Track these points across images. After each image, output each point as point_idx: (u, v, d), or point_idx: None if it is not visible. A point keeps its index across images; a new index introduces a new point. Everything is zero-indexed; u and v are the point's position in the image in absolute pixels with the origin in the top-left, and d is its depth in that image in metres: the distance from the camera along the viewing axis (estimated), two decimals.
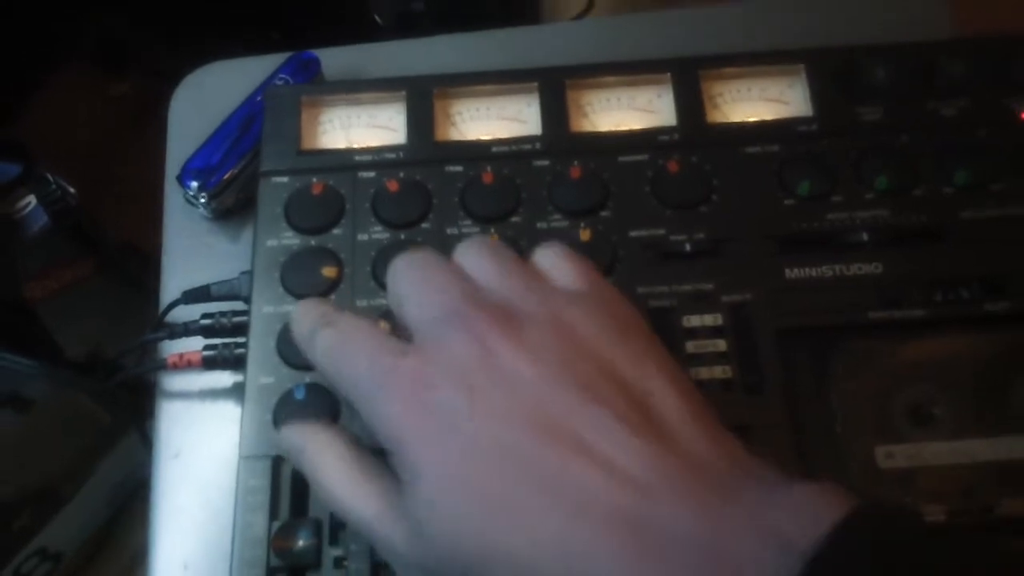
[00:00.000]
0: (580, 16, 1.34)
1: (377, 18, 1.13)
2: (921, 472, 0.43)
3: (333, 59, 0.62)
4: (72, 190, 0.77)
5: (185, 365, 0.53)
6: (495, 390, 0.32)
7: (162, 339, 0.54)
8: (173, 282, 0.58)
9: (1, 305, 0.67)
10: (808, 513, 0.28)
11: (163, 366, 0.53)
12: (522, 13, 1.35)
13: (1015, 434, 0.44)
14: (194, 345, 0.53)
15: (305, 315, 0.39)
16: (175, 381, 0.55)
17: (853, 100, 0.51)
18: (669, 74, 0.52)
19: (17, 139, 0.80)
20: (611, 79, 0.53)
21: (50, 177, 0.76)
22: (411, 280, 0.37)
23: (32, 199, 0.76)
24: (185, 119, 0.64)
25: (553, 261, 0.38)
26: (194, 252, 0.59)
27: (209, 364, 0.52)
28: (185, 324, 0.53)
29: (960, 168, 0.49)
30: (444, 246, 0.48)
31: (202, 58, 0.67)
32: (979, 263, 0.47)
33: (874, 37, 0.54)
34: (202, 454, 0.53)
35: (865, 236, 0.47)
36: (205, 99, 0.64)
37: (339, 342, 0.37)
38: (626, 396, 0.32)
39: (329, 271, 0.48)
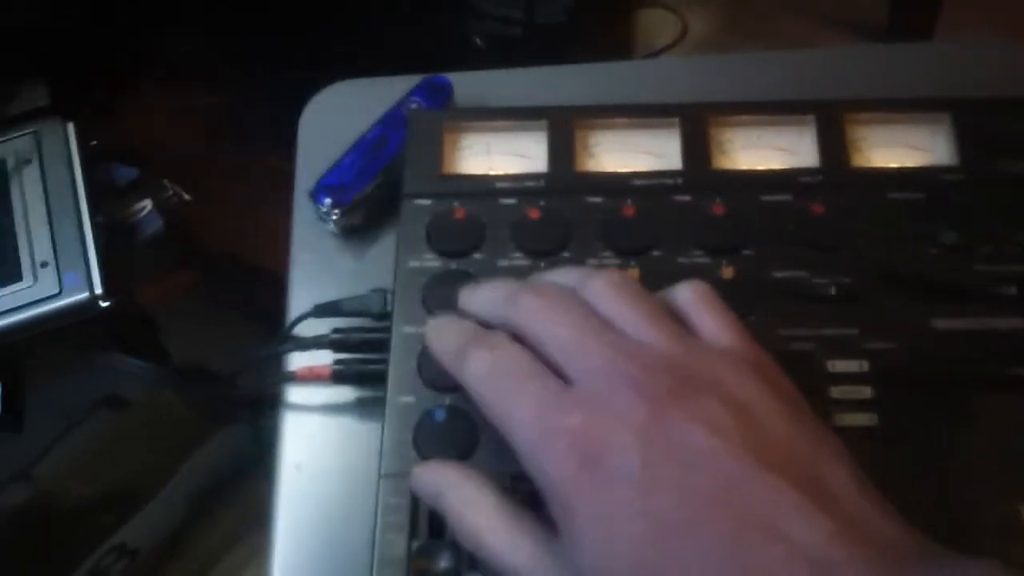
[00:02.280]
0: (672, 46, 1.34)
1: (478, 41, 1.15)
2: None
3: (460, 85, 0.63)
4: (187, 196, 0.79)
5: (314, 378, 0.54)
6: (669, 461, 0.32)
7: (291, 351, 0.55)
8: (298, 296, 0.59)
9: (116, 308, 0.68)
10: None
11: (292, 377, 0.54)
12: (615, 41, 1.36)
13: None
14: (317, 359, 0.54)
15: (452, 330, 0.39)
16: (300, 394, 0.56)
17: (998, 151, 0.51)
18: (813, 116, 0.52)
19: (130, 144, 0.82)
20: (753, 118, 0.53)
21: (166, 182, 0.78)
22: (549, 313, 0.36)
23: (148, 203, 0.78)
24: (314, 137, 0.65)
25: (698, 305, 0.38)
26: (320, 268, 0.60)
27: (338, 378, 0.53)
28: (316, 337, 0.54)
29: None
30: None
31: (278, 74, 0.69)
32: None
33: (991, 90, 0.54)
34: (324, 468, 0.54)
35: (1015, 289, 0.47)
36: (334, 118, 0.65)
37: (499, 372, 0.37)
38: (804, 472, 0.32)
39: None
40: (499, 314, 0.38)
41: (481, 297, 0.40)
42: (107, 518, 0.98)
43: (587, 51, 0.72)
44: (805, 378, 0.45)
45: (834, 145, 0.52)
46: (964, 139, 0.51)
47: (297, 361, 0.55)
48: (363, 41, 1.12)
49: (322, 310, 0.55)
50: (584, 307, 0.36)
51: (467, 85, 0.63)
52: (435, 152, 0.53)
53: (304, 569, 0.51)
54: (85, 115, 0.89)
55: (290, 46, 1.12)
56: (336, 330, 0.54)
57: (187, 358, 0.83)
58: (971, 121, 0.52)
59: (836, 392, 0.45)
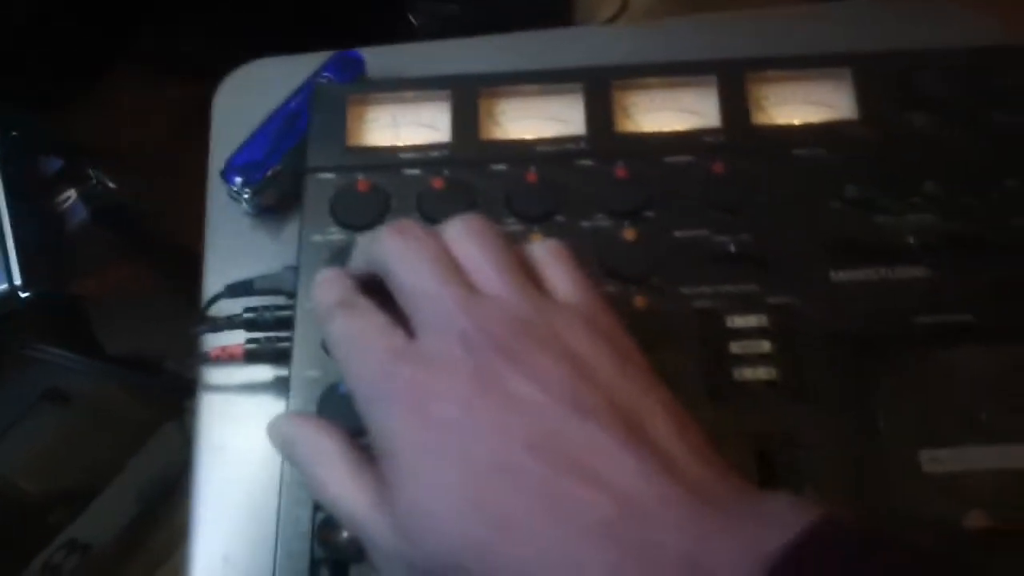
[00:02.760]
0: (613, 19, 1.34)
1: (412, 19, 1.14)
2: (966, 477, 0.43)
3: (373, 59, 0.62)
4: (112, 185, 0.78)
5: (227, 358, 0.53)
6: (496, 410, 0.33)
7: (205, 332, 0.55)
8: (216, 277, 0.58)
9: (44, 299, 0.67)
10: (780, 522, 0.29)
11: (206, 359, 0.54)
12: (555, 17, 1.35)
13: None
14: (237, 339, 0.53)
15: (329, 289, 0.39)
16: (217, 375, 0.56)
17: (901, 105, 0.51)
18: (715, 76, 0.52)
19: (58, 135, 0.81)
20: (656, 80, 0.53)
21: (91, 172, 0.77)
22: (404, 257, 0.37)
23: (73, 193, 0.77)
24: (229, 117, 0.64)
25: (548, 260, 0.39)
26: (236, 248, 0.59)
27: (251, 357, 0.53)
28: (228, 317, 0.54)
29: (1012, 175, 0.48)
30: None
31: (244, 58, 0.68)
32: None
33: (919, 45, 0.54)
34: (243, 448, 0.54)
35: (912, 240, 0.47)
36: (249, 97, 0.64)
37: (351, 333, 0.37)
38: (623, 419, 0.33)
39: None
40: (367, 258, 0.39)
41: (359, 244, 0.40)
42: (57, 513, 0.97)
43: (524, 28, 0.72)
44: (707, 336, 0.46)
45: (736, 104, 0.52)
46: (865, 93, 0.52)
47: (214, 343, 0.55)
48: (299, 19, 1.11)
49: (235, 290, 0.55)
50: (439, 251, 0.37)
51: (386, 59, 0.63)
52: (339, 125, 0.53)
53: (226, 549, 0.51)
54: (41, 106, 0.88)
55: (227, 32, 1.11)
56: (248, 309, 0.53)
57: (127, 349, 0.82)
58: (872, 75, 0.52)
59: (736, 347, 0.46)
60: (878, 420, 0.44)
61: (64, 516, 0.98)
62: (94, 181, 0.77)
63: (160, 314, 0.85)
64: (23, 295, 0.65)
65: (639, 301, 0.47)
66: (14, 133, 0.74)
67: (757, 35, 0.63)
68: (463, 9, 1.18)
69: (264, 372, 0.55)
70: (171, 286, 0.91)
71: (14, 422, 0.84)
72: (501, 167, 0.51)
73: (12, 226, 0.67)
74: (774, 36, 0.63)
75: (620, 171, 0.50)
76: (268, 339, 0.52)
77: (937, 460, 0.44)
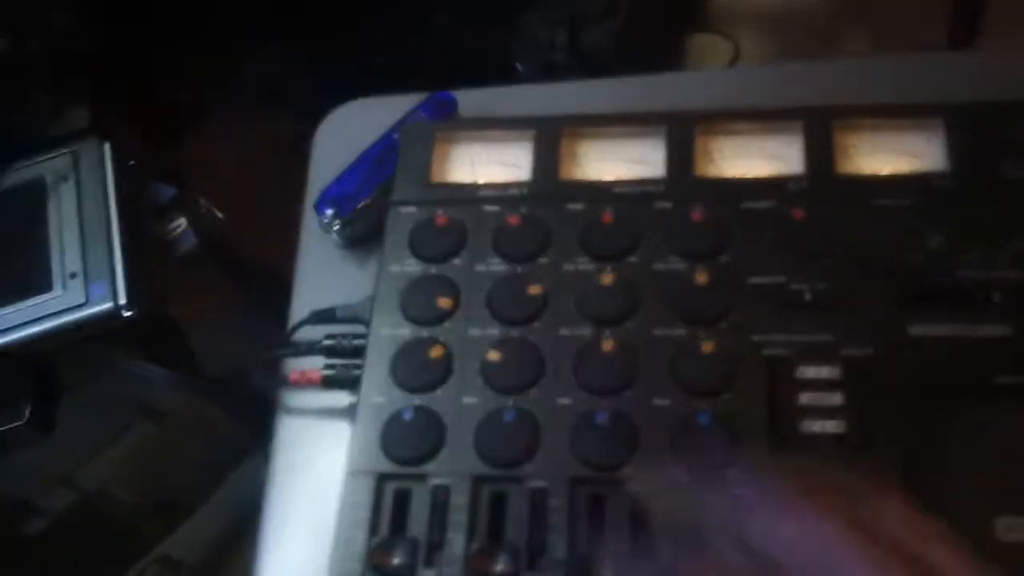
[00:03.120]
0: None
1: (519, 67, 1.16)
2: None
3: (471, 100, 0.64)
4: (220, 215, 0.82)
5: (305, 382, 0.55)
6: None
7: (287, 356, 0.57)
8: (303, 304, 0.60)
9: (148, 319, 0.71)
10: None
11: (285, 382, 0.55)
12: (665, 67, 1.36)
13: None
14: (317, 364, 0.55)
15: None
16: (297, 398, 0.57)
17: (993, 157, 0.50)
18: (801, 122, 0.52)
19: (172, 164, 0.85)
20: (741, 125, 0.53)
21: (201, 201, 0.81)
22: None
23: (183, 221, 0.81)
24: (328, 152, 0.67)
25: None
26: (325, 277, 0.61)
27: (328, 383, 0.54)
28: (309, 343, 0.55)
29: None
30: (559, 281, 0.49)
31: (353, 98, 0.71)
32: None
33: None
34: (316, 471, 0.55)
35: (997, 297, 0.45)
36: (348, 134, 0.66)
37: None
38: None
39: (444, 301, 0.49)
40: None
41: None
42: (151, 528, 1.01)
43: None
44: (775, 385, 0.45)
45: (821, 151, 0.51)
46: (957, 145, 0.50)
47: (296, 367, 0.57)
48: (409, 63, 1.15)
49: (318, 317, 0.56)
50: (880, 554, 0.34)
51: (481, 100, 0.64)
52: (425, 162, 0.54)
53: (292, 570, 0.52)
54: (154, 137, 0.93)
55: (338, 74, 1.15)
56: (328, 336, 0.55)
57: (222, 371, 0.85)
58: (965, 126, 0.51)
59: (805, 398, 0.44)
60: (951, 482, 0.42)
61: (158, 531, 1.01)
62: (204, 210, 0.81)
63: (254, 339, 0.88)
64: (126, 314, 0.68)
65: (707, 346, 0.46)
66: (132, 162, 0.78)
67: (864, 82, 0.62)
68: (569, 59, 1.20)
69: (341, 398, 0.56)
70: (267, 313, 0.94)
71: (114, 435, 0.87)
72: (578, 206, 0.51)
73: (122, 248, 0.70)
74: (882, 82, 0.61)
75: (696, 214, 0.50)
76: (345, 366, 0.54)
77: (1014, 529, 0.41)
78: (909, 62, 0.64)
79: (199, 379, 0.80)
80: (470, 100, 0.64)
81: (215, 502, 1.05)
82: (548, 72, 1.17)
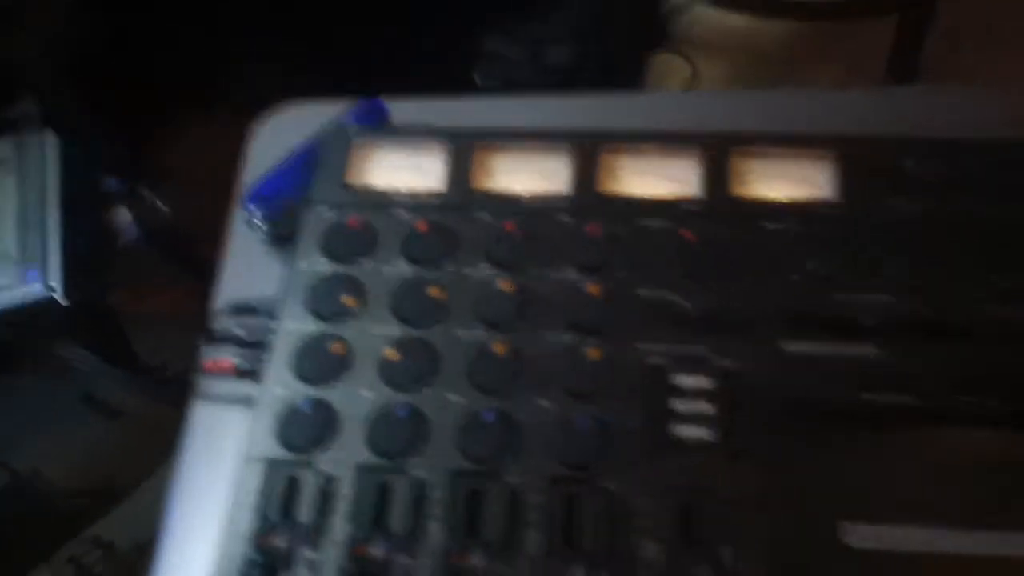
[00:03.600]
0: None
1: (477, 80, 1.19)
2: (888, 556, 0.43)
3: (403, 109, 0.66)
4: (166, 209, 0.83)
5: (218, 371, 0.57)
6: None
7: (205, 345, 0.59)
8: (228, 296, 0.62)
9: (84, 307, 0.73)
10: None
11: (199, 370, 0.57)
12: (623, 85, 1.38)
13: (993, 530, 0.43)
14: (235, 354, 0.57)
15: None
16: (212, 387, 0.59)
17: (879, 190, 0.52)
18: (700, 147, 0.54)
19: (122, 156, 0.87)
20: (645, 147, 0.55)
21: (146, 194, 0.83)
22: None
23: (128, 212, 0.83)
24: (262, 152, 0.69)
25: None
26: (250, 271, 0.63)
27: (240, 373, 0.56)
28: (225, 333, 0.57)
29: (982, 264, 0.49)
30: (460, 286, 0.51)
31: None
32: (988, 363, 0.47)
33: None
34: (224, 457, 0.57)
35: (869, 320, 0.48)
36: (283, 135, 0.69)
37: None
38: None
39: (349, 300, 0.51)
40: None
41: None
42: (84, 510, 1.02)
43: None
44: (652, 391, 0.47)
45: (717, 176, 0.54)
46: (847, 176, 0.53)
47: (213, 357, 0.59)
48: (373, 71, 1.17)
49: (237, 309, 0.59)
50: None
51: (416, 111, 0.66)
52: (343, 165, 0.56)
53: (193, 550, 0.54)
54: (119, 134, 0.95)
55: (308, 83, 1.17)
56: (244, 327, 0.57)
57: (158, 363, 0.87)
58: (855, 159, 0.53)
59: (678, 405, 0.47)
60: (805, 488, 0.45)
61: (91, 513, 1.02)
62: (148, 203, 0.83)
63: (193, 333, 0.90)
64: (61, 303, 0.70)
65: (592, 352, 0.49)
66: (77, 152, 0.80)
67: (806, 111, 0.64)
68: (532, 76, 1.22)
69: (253, 388, 0.58)
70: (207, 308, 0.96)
71: (50, 421, 0.89)
72: (485, 216, 0.54)
73: (61, 237, 0.72)
74: (824, 113, 0.64)
75: (595, 229, 0.52)
76: (257, 357, 0.56)
77: (858, 534, 0.44)
78: (843, 96, 0.67)
79: (135, 369, 0.81)
80: (405, 111, 0.66)
81: (148, 486, 1.06)
82: (508, 87, 1.19)
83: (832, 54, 1.50)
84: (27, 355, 0.77)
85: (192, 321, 0.98)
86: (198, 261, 0.97)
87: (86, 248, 0.75)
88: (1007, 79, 1.20)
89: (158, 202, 0.83)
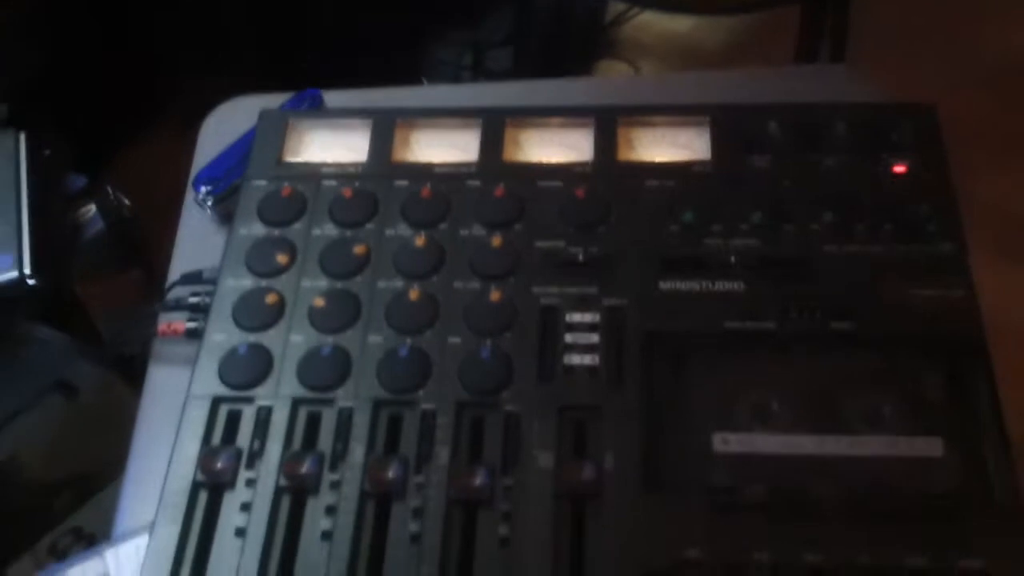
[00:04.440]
0: None
1: (424, 81, 1.26)
2: (751, 458, 0.50)
3: (341, 100, 0.74)
4: (127, 202, 0.90)
5: (171, 333, 0.63)
6: None
7: (159, 312, 0.65)
8: (180, 269, 0.69)
9: (54, 292, 0.79)
10: None
11: (153, 334, 0.64)
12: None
13: (837, 434, 0.50)
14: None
15: None
16: (166, 350, 0.66)
17: (747, 150, 0.60)
18: (593, 119, 0.62)
19: (86, 155, 0.94)
20: (544, 120, 0.63)
21: (110, 190, 0.89)
22: None
23: (93, 207, 0.89)
24: (212, 141, 0.76)
25: None
26: (200, 246, 0.70)
27: (191, 334, 0.63)
28: (176, 300, 0.64)
29: (829, 210, 0.56)
30: (381, 244, 0.58)
31: None
32: (832, 290, 0.54)
33: None
34: (178, 412, 0.63)
35: (733, 259, 0.55)
36: (231, 125, 0.76)
37: None
38: None
39: (282, 258, 0.58)
40: None
41: None
42: (63, 499, 1.07)
43: None
44: (547, 329, 0.54)
45: (607, 144, 0.61)
46: (719, 139, 0.60)
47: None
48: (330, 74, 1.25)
49: (187, 278, 0.65)
50: None
51: (352, 100, 0.74)
52: (278, 144, 0.63)
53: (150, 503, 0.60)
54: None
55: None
56: (193, 294, 0.63)
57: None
58: (724, 124, 0.61)
59: (569, 337, 0.54)
60: (681, 405, 0.52)
61: (70, 503, 1.08)
62: (112, 198, 0.89)
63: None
64: (31, 283, 0.77)
65: (495, 295, 0.55)
66: (47, 152, 0.86)
67: (726, 89, 0.73)
68: (474, 76, 1.30)
69: None
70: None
71: (26, 407, 0.95)
72: (403, 183, 0.61)
73: (29, 225, 0.79)
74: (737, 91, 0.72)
75: (499, 191, 0.59)
76: (206, 320, 0.62)
77: (727, 442, 0.51)
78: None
79: (107, 354, 0.87)
80: (338, 98, 0.73)
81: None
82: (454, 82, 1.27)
83: (766, 54, 1.58)
84: (4, 345, 0.83)
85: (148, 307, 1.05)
86: (156, 251, 1.04)
87: (54, 238, 0.82)
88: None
89: (122, 197, 0.90)
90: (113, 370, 0.94)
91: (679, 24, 1.61)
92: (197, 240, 0.71)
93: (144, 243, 0.96)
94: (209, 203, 0.69)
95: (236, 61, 1.26)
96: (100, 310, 0.93)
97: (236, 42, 1.28)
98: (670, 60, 1.59)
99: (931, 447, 0.50)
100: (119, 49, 1.16)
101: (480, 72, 1.30)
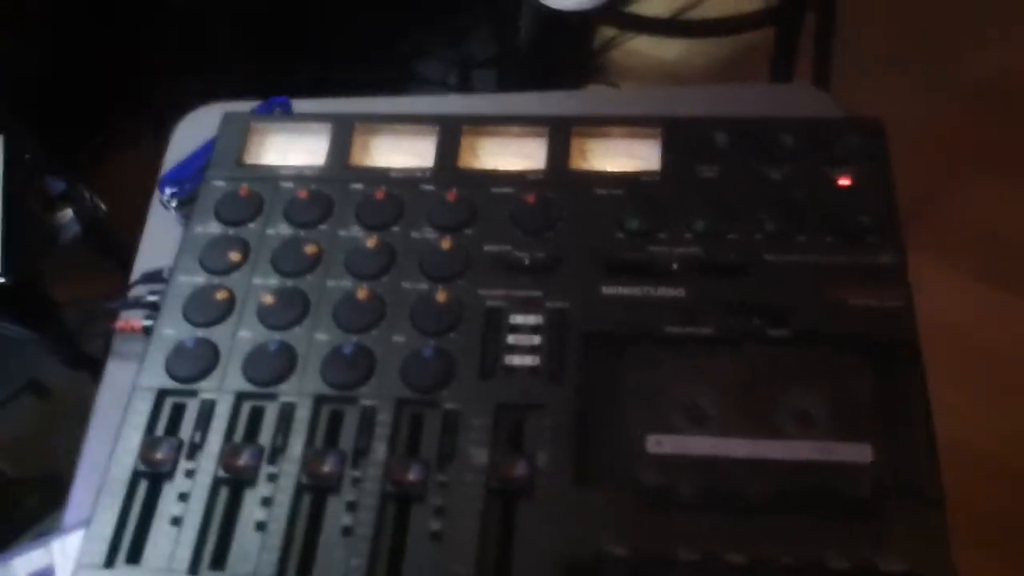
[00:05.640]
0: None
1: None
2: (683, 459, 0.51)
3: (309, 108, 0.75)
4: (103, 206, 0.91)
5: (129, 330, 0.64)
6: None
7: (118, 309, 0.66)
8: (143, 268, 0.70)
9: (28, 293, 0.80)
10: None
11: (112, 330, 0.65)
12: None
13: (770, 438, 0.51)
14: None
15: None
16: (123, 347, 0.67)
17: (696, 160, 0.61)
18: (547, 128, 0.63)
19: (63, 160, 0.95)
20: (500, 128, 0.64)
21: (87, 194, 0.91)
22: None
23: (70, 211, 0.91)
24: (184, 144, 0.77)
25: None
26: (164, 247, 0.71)
27: (148, 331, 0.63)
28: (136, 298, 0.65)
29: (772, 219, 0.57)
30: (333, 244, 0.59)
31: None
32: (770, 297, 0.55)
33: None
34: None
35: (675, 266, 0.56)
36: (204, 130, 0.77)
37: None
38: None
39: (235, 256, 0.59)
40: None
41: None
42: (34, 503, 1.08)
43: None
44: (491, 330, 0.55)
45: (560, 153, 0.62)
46: (669, 149, 0.61)
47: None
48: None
49: (147, 277, 0.66)
50: None
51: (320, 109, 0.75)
52: (238, 146, 0.65)
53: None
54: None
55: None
56: (152, 292, 0.64)
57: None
58: (675, 136, 0.62)
59: (512, 339, 0.55)
60: (618, 406, 0.53)
61: (42, 506, 1.08)
62: (89, 202, 0.91)
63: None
64: (1, 280, 0.78)
65: (441, 296, 0.56)
66: (27, 156, 0.88)
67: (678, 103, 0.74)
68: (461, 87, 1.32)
69: None
70: None
71: None
72: (359, 186, 0.62)
73: (3, 225, 0.80)
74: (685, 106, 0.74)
75: (451, 195, 0.60)
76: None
77: (661, 443, 0.52)
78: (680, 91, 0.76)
79: (79, 355, 0.88)
80: (308, 107, 0.75)
81: None
82: None
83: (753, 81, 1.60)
84: None
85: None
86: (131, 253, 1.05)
87: (29, 240, 0.83)
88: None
89: (99, 202, 0.91)
90: (84, 370, 0.95)
91: (667, 51, 1.63)
92: (162, 240, 0.72)
93: (120, 246, 0.97)
94: (174, 204, 0.70)
95: (222, 72, 1.28)
96: (69, 310, 0.94)
97: (223, 54, 1.30)
98: (655, 84, 1.61)
99: (860, 453, 0.50)
100: (99, 55, 1.18)
101: (465, 89, 1.32)
